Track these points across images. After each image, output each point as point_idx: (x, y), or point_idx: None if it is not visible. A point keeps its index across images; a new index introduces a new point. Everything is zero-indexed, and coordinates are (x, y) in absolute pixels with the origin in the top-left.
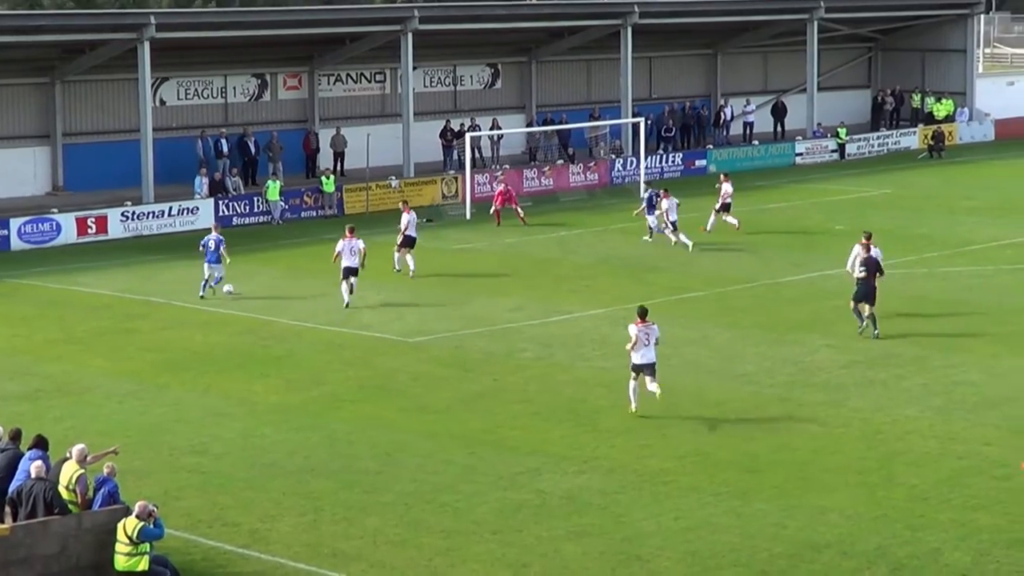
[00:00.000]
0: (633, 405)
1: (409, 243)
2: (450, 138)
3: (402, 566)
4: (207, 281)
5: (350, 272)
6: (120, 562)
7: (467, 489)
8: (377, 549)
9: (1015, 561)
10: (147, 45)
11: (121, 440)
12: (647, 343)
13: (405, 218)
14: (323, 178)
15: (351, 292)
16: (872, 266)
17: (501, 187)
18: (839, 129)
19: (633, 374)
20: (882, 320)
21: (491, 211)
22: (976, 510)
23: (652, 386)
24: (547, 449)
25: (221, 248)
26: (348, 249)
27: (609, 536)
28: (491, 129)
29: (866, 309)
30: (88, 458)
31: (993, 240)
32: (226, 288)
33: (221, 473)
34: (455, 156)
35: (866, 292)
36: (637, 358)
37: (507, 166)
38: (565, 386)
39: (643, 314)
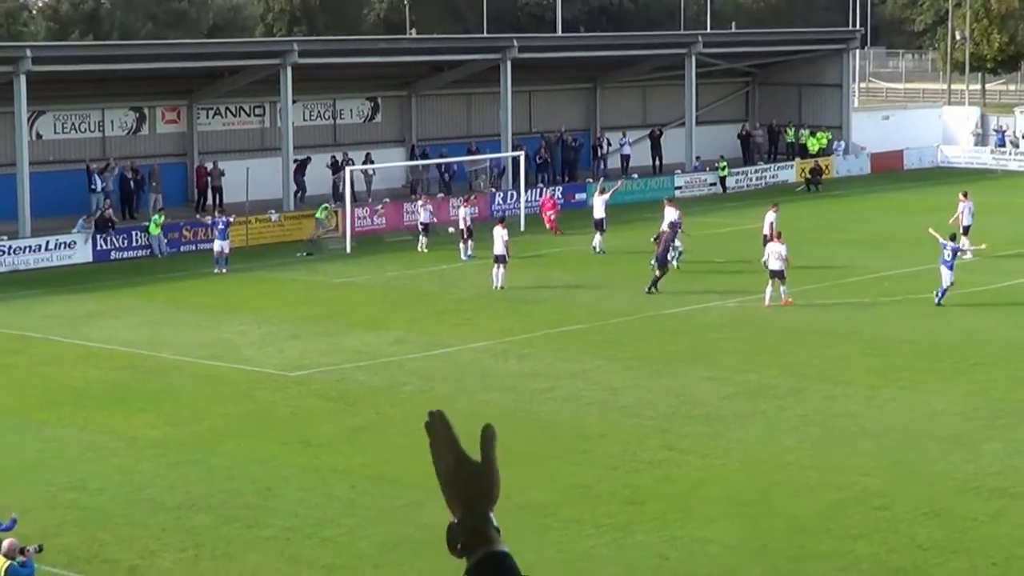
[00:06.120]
0: (767, 301)
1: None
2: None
3: None
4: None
5: (499, 259)
6: None
7: (349, 523)
8: None
9: None
10: (23, 78)
11: None
12: (777, 257)
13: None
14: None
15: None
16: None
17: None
18: (720, 164)
19: (769, 279)
20: (761, 352)
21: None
22: (855, 540)
23: (783, 288)
24: (429, 483)
25: None
26: (499, 238)
27: None
28: (364, 163)
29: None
30: None
31: (870, 272)
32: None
33: (100, 509)
34: (338, 189)
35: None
36: (771, 266)
37: (387, 200)
38: None
39: (778, 235)
